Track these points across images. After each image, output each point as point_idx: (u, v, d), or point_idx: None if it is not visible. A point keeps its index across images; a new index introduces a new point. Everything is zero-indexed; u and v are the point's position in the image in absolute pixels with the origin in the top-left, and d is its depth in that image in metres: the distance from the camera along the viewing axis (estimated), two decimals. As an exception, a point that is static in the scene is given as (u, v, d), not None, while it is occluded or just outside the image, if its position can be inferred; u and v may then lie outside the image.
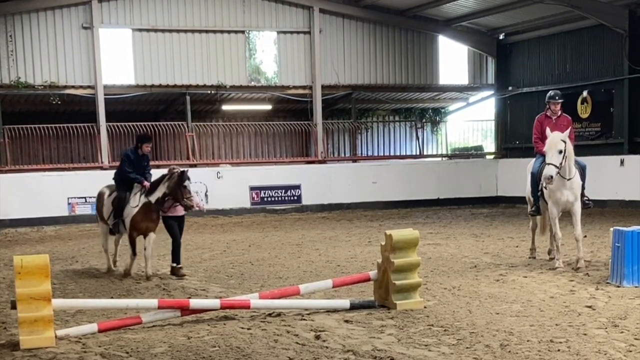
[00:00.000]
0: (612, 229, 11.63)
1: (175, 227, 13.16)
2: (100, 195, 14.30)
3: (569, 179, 12.45)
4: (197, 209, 13.42)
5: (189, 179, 12.82)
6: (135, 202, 13.10)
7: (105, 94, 25.97)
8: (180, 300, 10.10)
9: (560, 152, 12.16)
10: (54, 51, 25.81)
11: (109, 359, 8.03)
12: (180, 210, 13.08)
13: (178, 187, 12.72)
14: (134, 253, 13.27)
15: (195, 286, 12.26)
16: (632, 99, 24.82)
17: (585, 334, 8.38)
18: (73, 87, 25.98)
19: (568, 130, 12.73)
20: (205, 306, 9.74)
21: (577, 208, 12.68)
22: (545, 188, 12.62)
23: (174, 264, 13.21)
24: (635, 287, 10.82)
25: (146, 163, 13.60)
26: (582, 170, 12.82)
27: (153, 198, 12.95)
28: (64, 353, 8.28)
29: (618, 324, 8.76)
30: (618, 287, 10.92)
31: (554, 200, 12.66)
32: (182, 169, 13.09)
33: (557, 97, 13.48)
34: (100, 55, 26.01)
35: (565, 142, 12.25)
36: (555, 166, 12.13)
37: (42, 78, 25.67)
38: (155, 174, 13.87)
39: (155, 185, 13.05)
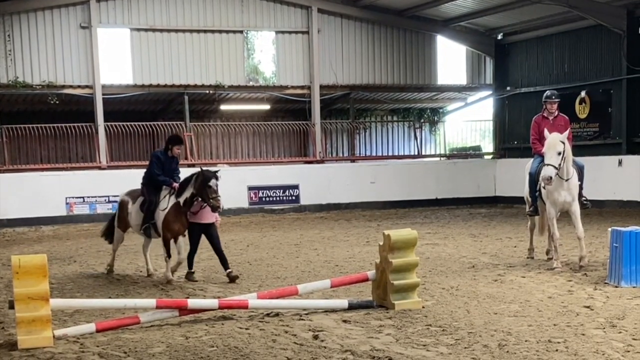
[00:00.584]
0: (610, 229, 11.63)
1: (196, 235, 12.71)
2: (122, 204, 13.77)
3: (566, 180, 12.45)
4: (220, 210, 12.51)
5: (215, 177, 12.32)
6: (165, 204, 12.68)
7: (103, 94, 25.98)
8: (179, 300, 10.09)
9: (559, 153, 12.16)
10: (52, 51, 25.79)
11: (107, 359, 8.01)
12: (205, 217, 12.55)
13: (203, 187, 12.24)
14: (168, 255, 12.71)
15: (193, 286, 12.26)
16: (630, 99, 24.85)
17: (583, 334, 8.38)
18: (71, 86, 25.97)
19: (567, 132, 12.75)
20: (204, 306, 9.73)
21: (576, 208, 12.68)
22: (544, 188, 12.63)
23: (189, 269, 12.90)
24: (633, 287, 10.82)
25: (175, 165, 13.22)
26: (580, 170, 12.83)
27: (182, 199, 12.52)
28: (62, 353, 8.27)
29: (616, 324, 8.77)
30: (616, 287, 10.92)
31: (551, 201, 12.67)
32: (207, 169, 12.64)
33: (553, 97, 13.50)
34: (99, 55, 26.01)
35: (564, 143, 12.26)
36: (554, 167, 12.14)
37: (40, 78, 25.66)
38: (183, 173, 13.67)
39: (184, 185, 12.61)
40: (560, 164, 12.21)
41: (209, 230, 12.66)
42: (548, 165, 12.16)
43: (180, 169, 13.29)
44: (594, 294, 10.58)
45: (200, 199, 12.40)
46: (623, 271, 10.93)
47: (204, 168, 12.75)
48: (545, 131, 12.58)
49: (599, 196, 20.82)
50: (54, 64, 25.84)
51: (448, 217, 23.90)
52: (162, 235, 12.71)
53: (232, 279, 12.43)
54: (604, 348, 7.80)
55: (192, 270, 12.85)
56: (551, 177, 12.11)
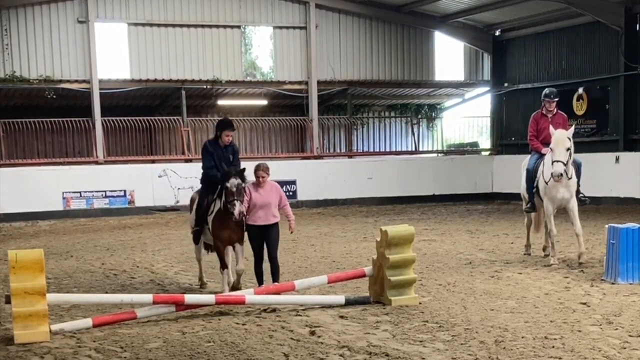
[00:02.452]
0: (607, 226, 11.64)
1: (256, 241, 10.74)
2: (191, 202, 12.05)
3: (569, 178, 12.47)
4: (236, 218, 10.33)
5: (235, 176, 10.37)
6: (215, 206, 10.89)
7: (100, 89, 25.95)
8: (175, 295, 10.08)
9: (568, 149, 12.20)
10: (49, 45, 25.76)
11: (103, 354, 8.01)
12: (258, 218, 10.60)
13: (222, 187, 10.57)
14: (221, 266, 10.92)
15: (190, 281, 12.25)
16: (628, 96, 24.86)
17: (579, 331, 8.39)
18: (68, 81, 25.94)
19: (572, 128, 12.83)
20: (200, 301, 9.74)
21: (573, 204, 12.70)
22: (547, 183, 12.61)
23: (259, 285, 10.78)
24: (630, 284, 10.83)
25: (232, 155, 11.25)
26: (578, 167, 12.84)
27: (223, 201, 10.67)
28: (59, 348, 8.26)
29: (612, 321, 8.77)
30: (613, 284, 10.93)
31: (549, 197, 12.68)
32: (235, 166, 10.84)
33: (552, 96, 13.52)
34: (96, 50, 25.98)
35: (570, 139, 12.29)
36: (564, 163, 12.16)
37: (37, 72, 25.62)
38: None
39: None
40: (568, 161, 12.24)
41: (268, 233, 10.68)
42: (558, 161, 12.16)
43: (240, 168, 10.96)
44: (590, 290, 10.59)
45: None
46: (620, 268, 10.94)
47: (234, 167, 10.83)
48: (551, 128, 12.60)
49: (596, 193, 20.81)
50: (51, 58, 25.80)
51: (445, 214, 23.91)
52: (214, 245, 11.08)
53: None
54: (601, 345, 7.81)
55: (262, 285, 10.73)
56: (561, 174, 12.13)
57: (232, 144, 11.30)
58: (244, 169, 10.57)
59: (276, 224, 10.74)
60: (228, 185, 10.25)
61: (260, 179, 10.61)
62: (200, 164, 11.49)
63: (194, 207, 11.54)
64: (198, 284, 11.89)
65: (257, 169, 10.63)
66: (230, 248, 10.90)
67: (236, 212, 10.17)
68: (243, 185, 10.32)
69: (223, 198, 10.48)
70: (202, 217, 11.15)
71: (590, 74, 26.31)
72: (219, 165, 10.99)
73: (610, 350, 7.60)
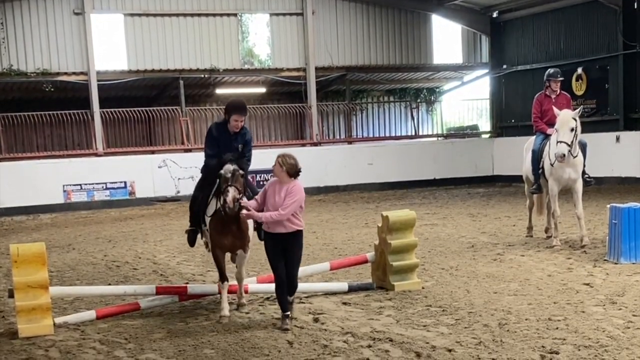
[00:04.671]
0: (609, 205, 11.63)
1: (275, 254, 8.49)
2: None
3: (574, 157, 12.43)
4: (229, 207, 8.42)
5: (232, 161, 8.69)
6: (211, 209, 9.03)
7: (98, 80, 25.86)
8: (178, 286, 10.08)
9: (572, 129, 12.16)
10: (45, 38, 25.67)
11: (108, 346, 8.02)
12: (278, 225, 8.39)
13: (217, 174, 8.76)
14: (221, 278, 9.07)
15: (193, 271, 12.25)
16: (627, 75, 24.77)
17: (583, 312, 8.39)
18: (66, 73, 25.85)
19: (580, 109, 12.79)
20: (203, 291, 9.74)
21: (579, 186, 12.68)
22: (552, 165, 12.56)
23: (283, 312, 8.52)
24: (633, 263, 10.83)
25: (243, 144, 9.34)
26: (583, 147, 12.80)
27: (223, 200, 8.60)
28: (63, 340, 8.28)
29: (616, 301, 8.78)
30: (615, 264, 10.93)
31: (555, 178, 12.64)
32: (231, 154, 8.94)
33: (557, 75, 13.48)
34: (93, 41, 25.88)
35: (576, 120, 12.25)
36: (567, 144, 12.12)
37: (34, 65, 25.54)
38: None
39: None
40: (572, 141, 12.19)
41: (287, 244, 8.47)
42: (562, 142, 12.12)
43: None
44: (593, 271, 10.59)
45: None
46: (622, 248, 10.93)
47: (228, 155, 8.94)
48: (555, 108, 12.55)
49: (598, 173, 20.70)
50: (48, 51, 25.72)
51: (446, 197, 23.89)
52: (211, 251, 9.27)
53: (283, 328, 8.33)
54: (604, 325, 7.81)
55: (287, 313, 8.47)
56: (564, 155, 12.09)
57: (244, 131, 9.38)
58: (246, 157, 9.01)
59: (298, 233, 8.51)
60: (222, 172, 8.57)
61: (276, 172, 8.47)
62: (203, 153, 9.67)
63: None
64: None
65: (277, 156, 8.58)
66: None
67: (229, 198, 8.32)
68: (240, 172, 8.59)
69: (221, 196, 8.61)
70: (198, 214, 9.39)
71: (589, 53, 26.21)
72: (223, 153, 9.02)
73: (614, 330, 7.60)
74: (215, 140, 9.31)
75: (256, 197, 8.70)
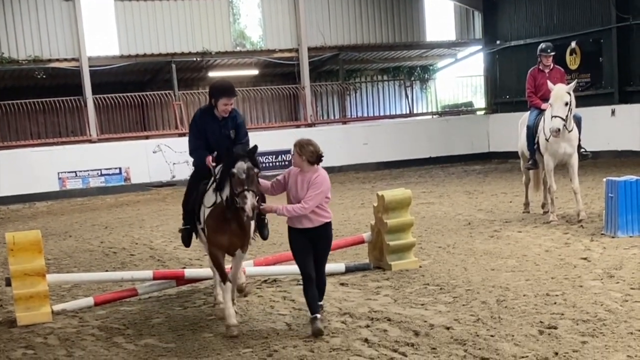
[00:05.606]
0: (605, 179, 11.62)
1: (303, 251, 7.60)
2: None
3: (569, 132, 12.39)
4: (249, 216, 7.27)
5: (244, 157, 7.39)
6: (209, 200, 7.90)
7: (90, 66, 25.76)
8: (175, 270, 10.07)
9: (566, 104, 12.12)
10: (36, 25, 25.52)
11: (106, 332, 8.02)
12: (304, 219, 7.53)
13: (227, 172, 7.48)
14: (222, 279, 7.93)
15: (190, 256, 12.21)
16: (621, 48, 24.69)
17: (581, 286, 8.40)
18: (57, 60, 25.76)
19: (573, 83, 12.78)
20: (201, 275, 9.72)
21: (575, 160, 12.65)
22: (547, 140, 12.53)
23: (312, 315, 7.48)
24: (630, 237, 10.83)
25: (235, 130, 8.34)
26: (578, 122, 12.76)
27: (225, 194, 7.62)
28: (62, 328, 8.28)
29: (613, 275, 8.78)
30: (612, 237, 10.93)
31: (551, 152, 12.60)
32: (241, 144, 7.99)
33: (549, 50, 13.43)
34: (84, 27, 25.74)
35: (570, 94, 12.21)
36: (562, 119, 12.08)
37: (25, 53, 25.44)
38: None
39: (223, 176, 7.67)
40: (567, 116, 12.15)
41: (316, 239, 7.61)
42: (556, 117, 12.08)
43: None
44: (590, 245, 10.59)
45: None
46: (619, 221, 10.93)
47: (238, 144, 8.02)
48: (549, 83, 12.50)
49: (593, 147, 20.59)
50: (39, 38, 25.59)
51: (442, 175, 23.87)
52: (208, 251, 8.28)
53: (316, 331, 7.32)
54: (602, 299, 7.81)
55: (315, 315, 7.44)
56: (559, 129, 12.06)
57: (234, 114, 8.38)
58: (255, 148, 7.64)
59: (327, 225, 7.69)
60: (235, 171, 7.29)
61: (296, 163, 7.60)
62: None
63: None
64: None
65: (294, 146, 7.67)
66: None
67: (248, 206, 7.13)
68: (255, 170, 7.40)
69: (225, 190, 7.58)
70: (192, 211, 8.40)
71: (582, 27, 26.10)
72: (215, 145, 8.17)
73: (612, 304, 7.60)
74: (200, 131, 8.27)
75: (273, 182, 7.79)
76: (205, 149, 8.15)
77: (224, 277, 7.86)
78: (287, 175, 7.66)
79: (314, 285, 7.50)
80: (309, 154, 7.49)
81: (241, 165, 7.30)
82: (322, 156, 7.58)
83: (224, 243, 7.82)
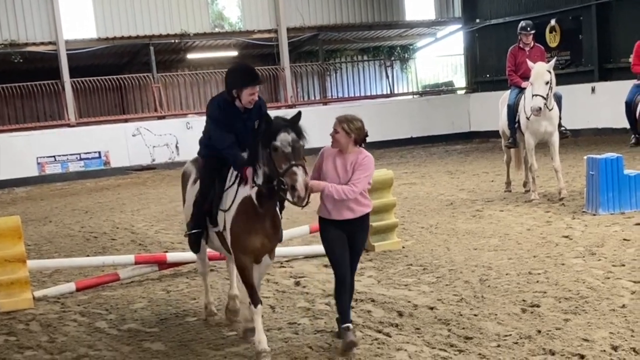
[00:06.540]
0: (585, 157, 11.66)
1: (337, 245, 6.42)
2: (183, 176, 7.80)
3: (550, 110, 12.40)
4: (299, 197, 5.90)
5: (288, 129, 6.16)
6: (228, 200, 6.55)
7: (67, 50, 25.50)
8: (157, 254, 10.01)
9: (547, 82, 12.11)
10: (12, 8, 25.22)
11: (89, 317, 7.97)
12: (343, 208, 6.40)
13: (267, 147, 6.10)
14: (253, 300, 6.55)
15: (172, 239, 12.16)
16: (601, 25, 24.74)
17: (563, 264, 8.43)
18: (34, 44, 25.48)
19: (553, 61, 12.76)
20: (183, 259, 9.66)
21: (555, 139, 12.67)
22: (528, 119, 12.53)
23: (342, 324, 6.49)
24: (611, 214, 10.89)
25: (255, 122, 6.64)
26: (558, 100, 12.78)
27: (254, 189, 6.32)
28: (43, 314, 8.22)
29: (595, 252, 8.82)
30: (594, 215, 10.98)
31: (532, 131, 12.62)
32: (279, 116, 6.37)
33: (528, 29, 13.42)
34: (60, 10, 25.43)
35: (550, 72, 12.20)
36: (543, 97, 12.07)
37: (1, 37, 25.14)
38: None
39: (253, 157, 6.36)
40: (548, 94, 12.15)
41: (354, 232, 6.45)
42: (537, 95, 12.07)
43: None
44: (572, 223, 10.63)
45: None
46: (600, 199, 10.98)
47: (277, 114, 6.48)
48: (529, 61, 12.49)
49: (574, 125, 20.74)
50: (15, 21, 25.28)
51: (424, 156, 23.89)
52: (234, 258, 6.60)
53: (349, 345, 6.28)
54: (584, 276, 7.85)
55: (348, 325, 6.42)
56: (540, 108, 12.05)
57: (260, 102, 6.90)
58: (299, 114, 6.41)
59: (367, 215, 6.55)
60: (278, 144, 6.03)
61: (335, 140, 6.60)
62: (200, 131, 7.27)
63: (190, 195, 7.40)
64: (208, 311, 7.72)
65: (335, 123, 6.66)
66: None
67: (300, 183, 5.87)
68: (301, 142, 6.22)
69: (260, 173, 6.22)
70: (205, 213, 6.92)
71: (562, 4, 26.09)
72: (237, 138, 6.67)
73: (594, 281, 7.64)
74: (223, 121, 6.70)
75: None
76: (234, 148, 6.57)
77: (255, 299, 6.49)
78: (321, 159, 6.59)
79: (347, 289, 6.49)
80: (358, 131, 6.51)
81: (285, 137, 6.07)
82: (367, 136, 6.63)
83: (256, 246, 6.41)
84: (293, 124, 6.21)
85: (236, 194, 6.46)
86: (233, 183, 6.56)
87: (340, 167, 6.45)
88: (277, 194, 6.15)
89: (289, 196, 5.95)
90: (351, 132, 6.47)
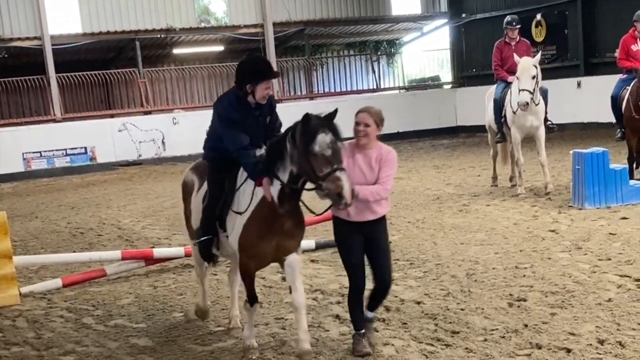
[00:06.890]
0: (571, 151, 11.71)
1: (353, 248, 6.07)
2: (185, 187, 7.24)
3: (536, 105, 12.42)
4: (343, 206, 5.67)
5: (324, 127, 5.82)
6: (245, 202, 6.14)
7: (52, 45, 25.32)
8: (144, 250, 9.99)
9: (533, 77, 12.13)
10: (-4, 3, 25.03)
11: (75, 313, 7.95)
12: (365, 210, 6.01)
13: (304, 150, 5.71)
14: (249, 301, 6.42)
15: (158, 235, 12.14)
16: (586, 19, 24.80)
17: (549, 258, 8.47)
18: (19, 39, 25.29)
19: (539, 55, 12.78)
20: (170, 255, 9.66)
21: (542, 133, 12.71)
22: (514, 112, 12.55)
23: (356, 330, 6.20)
24: (597, 208, 10.94)
25: (267, 119, 6.57)
26: (544, 94, 12.82)
27: (275, 188, 5.96)
28: (30, 310, 8.20)
29: (581, 246, 8.87)
30: (580, 209, 11.03)
31: (518, 126, 12.65)
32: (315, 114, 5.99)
33: (514, 23, 13.45)
34: (45, 5, 25.24)
35: (536, 67, 12.23)
36: (529, 92, 12.10)
37: (-15, 32, 24.95)
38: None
39: (274, 157, 6.01)
40: (534, 89, 12.17)
41: (371, 235, 6.06)
42: (523, 90, 12.09)
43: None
44: (558, 217, 10.68)
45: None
46: (586, 193, 11.03)
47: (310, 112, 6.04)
48: (516, 56, 12.51)
49: (560, 119, 20.71)
50: (0, 16, 25.07)
51: (410, 150, 23.92)
52: (240, 264, 6.34)
53: (361, 354, 6.07)
54: (571, 270, 7.89)
55: (363, 331, 6.16)
56: (527, 103, 12.08)
57: (271, 97, 6.57)
58: (335, 111, 6.07)
59: (382, 219, 6.13)
60: (317, 148, 5.64)
61: (360, 136, 6.12)
62: (208, 132, 6.83)
63: (196, 199, 6.88)
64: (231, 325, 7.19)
65: (356, 116, 6.26)
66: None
67: (347, 190, 5.55)
68: (340, 144, 5.82)
69: (283, 173, 5.92)
70: (215, 219, 6.46)
71: (547, -1, 26.18)
72: (252, 140, 6.25)
73: (581, 275, 7.68)
74: (236, 119, 6.24)
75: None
76: (250, 145, 6.17)
77: (253, 297, 6.39)
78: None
79: (361, 292, 6.11)
80: (383, 122, 6.16)
81: (323, 139, 5.63)
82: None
83: (268, 252, 6.10)
84: (330, 123, 5.83)
85: (253, 193, 6.02)
86: (246, 179, 6.17)
87: (364, 164, 6.03)
88: (299, 195, 5.95)
89: (332, 202, 5.69)
90: (380, 124, 6.11)
